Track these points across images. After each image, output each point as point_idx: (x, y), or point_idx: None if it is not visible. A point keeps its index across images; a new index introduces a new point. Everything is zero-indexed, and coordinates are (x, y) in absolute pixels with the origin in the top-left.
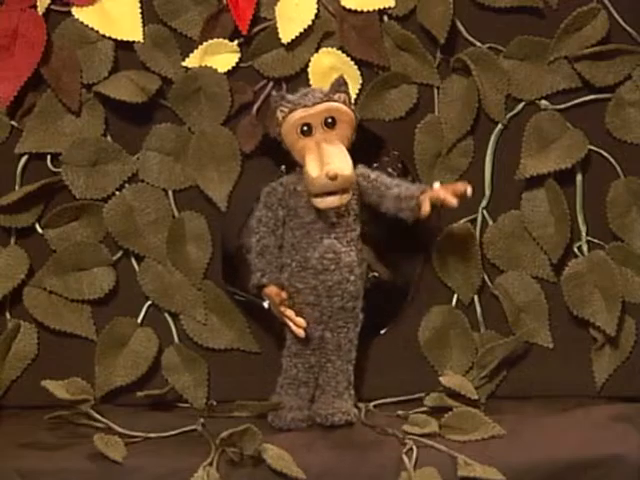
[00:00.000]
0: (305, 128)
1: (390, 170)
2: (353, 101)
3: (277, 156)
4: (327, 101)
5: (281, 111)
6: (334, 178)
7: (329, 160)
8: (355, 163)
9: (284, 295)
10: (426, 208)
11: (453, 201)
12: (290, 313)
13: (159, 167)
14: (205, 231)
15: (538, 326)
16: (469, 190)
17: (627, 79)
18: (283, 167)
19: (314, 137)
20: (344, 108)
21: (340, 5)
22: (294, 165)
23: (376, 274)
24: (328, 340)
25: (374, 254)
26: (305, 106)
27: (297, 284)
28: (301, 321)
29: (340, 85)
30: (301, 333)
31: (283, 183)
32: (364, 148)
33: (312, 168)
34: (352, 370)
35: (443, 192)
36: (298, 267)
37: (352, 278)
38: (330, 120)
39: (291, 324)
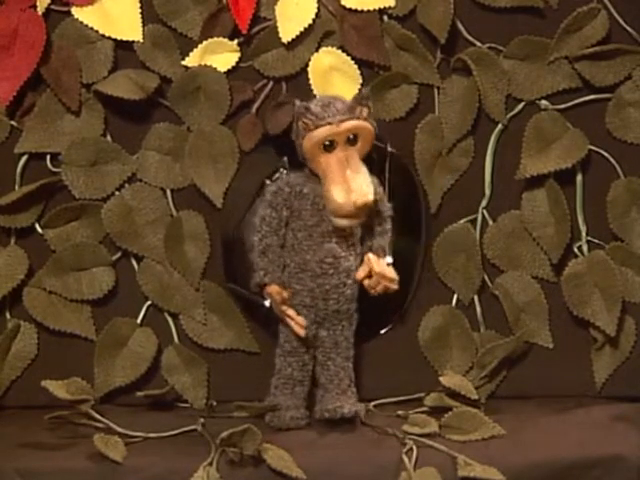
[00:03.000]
0: (327, 143)
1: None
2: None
3: (276, 153)
4: (351, 118)
5: (304, 123)
6: (362, 208)
7: (355, 187)
8: None
9: (285, 294)
10: (358, 275)
11: (371, 289)
12: (291, 312)
13: (158, 166)
14: (203, 230)
15: (538, 326)
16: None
17: (627, 79)
18: (285, 159)
19: (336, 153)
20: (367, 126)
21: (340, 4)
22: (296, 159)
23: None
24: (324, 339)
25: None
26: (330, 123)
27: (295, 285)
28: (302, 320)
29: (364, 98)
30: (302, 333)
31: (289, 183)
32: None
33: (337, 194)
34: (352, 368)
35: (374, 281)
36: (297, 269)
37: (349, 282)
38: (352, 137)
39: (292, 323)
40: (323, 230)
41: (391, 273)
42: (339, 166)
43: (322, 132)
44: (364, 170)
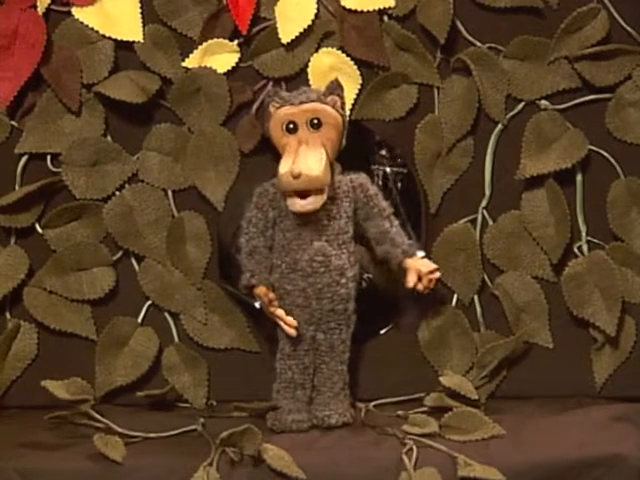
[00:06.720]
0: (291, 126)
1: (387, 168)
2: (347, 104)
3: (276, 155)
4: (315, 101)
5: (272, 106)
6: (297, 176)
7: (300, 159)
8: (355, 164)
9: (272, 296)
10: (410, 283)
11: (425, 289)
12: (280, 313)
13: (159, 167)
14: (204, 231)
15: (538, 326)
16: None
17: (627, 79)
18: None
19: (297, 135)
20: (330, 110)
21: (340, 5)
22: None
23: (370, 276)
24: (321, 342)
25: (369, 256)
26: (292, 104)
27: (286, 286)
28: (292, 320)
29: (334, 88)
30: (292, 332)
31: (275, 184)
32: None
33: (282, 165)
34: (347, 370)
35: (426, 281)
36: (288, 269)
37: (343, 281)
38: (316, 121)
39: (282, 324)
40: (312, 229)
41: (432, 265)
42: (296, 144)
43: (282, 111)
44: (320, 151)
